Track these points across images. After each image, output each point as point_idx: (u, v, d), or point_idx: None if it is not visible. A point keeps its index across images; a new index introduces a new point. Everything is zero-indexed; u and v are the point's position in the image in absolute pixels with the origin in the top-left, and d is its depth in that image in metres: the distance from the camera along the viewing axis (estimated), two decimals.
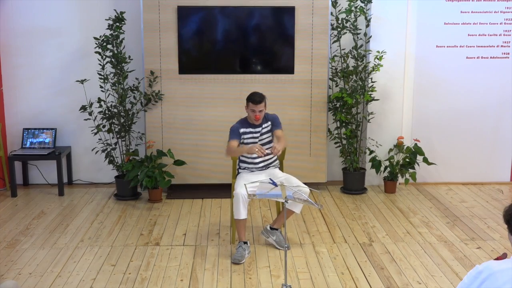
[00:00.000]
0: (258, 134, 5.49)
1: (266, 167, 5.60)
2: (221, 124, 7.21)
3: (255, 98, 5.34)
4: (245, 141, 5.44)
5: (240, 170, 5.66)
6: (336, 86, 7.45)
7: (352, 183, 7.47)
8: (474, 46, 7.58)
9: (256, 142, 5.45)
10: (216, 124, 7.33)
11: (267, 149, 5.42)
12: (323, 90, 7.35)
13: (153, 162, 7.02)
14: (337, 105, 7.34)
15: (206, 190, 7.48)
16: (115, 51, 6.93)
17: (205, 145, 7.43)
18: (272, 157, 5.55)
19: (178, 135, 7.39)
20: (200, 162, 7.44)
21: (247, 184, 4.97)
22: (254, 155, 5.40)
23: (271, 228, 5.66)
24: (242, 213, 5.26)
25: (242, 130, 5.43)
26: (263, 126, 5.50)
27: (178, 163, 7.20)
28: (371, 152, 7.44)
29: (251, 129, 5.45)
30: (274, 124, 5.49)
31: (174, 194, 7.39)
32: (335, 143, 7.56)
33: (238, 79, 7.22)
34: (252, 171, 5.56)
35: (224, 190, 7.28)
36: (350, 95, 7.15)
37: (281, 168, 5.77)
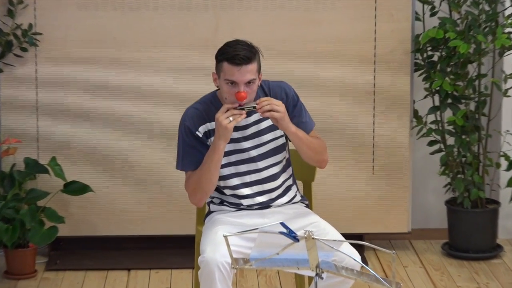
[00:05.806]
0: (248, 134, 3.64)
1: (272, 203, 3.69)
2: (171, 100, 5.40)
3: (237, 53, 3.40)
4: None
5: (213, 207, 3.68)
6: (432, 15, 5.38)
7: (468, 235, 5.63)
8: None
9: (244, 153, 3.59)
10: (160, 100, 5.44)
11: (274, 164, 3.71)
12: (402, 24, 5.42)
13: (16, 188, 5.47)
14: (434, 58, 5.43)
15: (137, 251, 5.61)
16: None
17: (135, 149, 5.50)
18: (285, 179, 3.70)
19: (74, 126, 5.42)
20: (125, 188, 5.56)
21: (230, 236, 3.14)
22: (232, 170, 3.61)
23: None
24: None
25: (205, 129, 3.53)
26: (260, 117, 3.75)
27: (75, 189, 5.32)
28: None
29: None
30: (294, 113, 3.59)
31: (65, 260, 5.53)
32: (430, 143, 5.49)
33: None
34: (240, 209, 3.61)
35: (179, 249, 5.67)
36: (462, 35, 5.32)
37: (310, 205, 3.86)
